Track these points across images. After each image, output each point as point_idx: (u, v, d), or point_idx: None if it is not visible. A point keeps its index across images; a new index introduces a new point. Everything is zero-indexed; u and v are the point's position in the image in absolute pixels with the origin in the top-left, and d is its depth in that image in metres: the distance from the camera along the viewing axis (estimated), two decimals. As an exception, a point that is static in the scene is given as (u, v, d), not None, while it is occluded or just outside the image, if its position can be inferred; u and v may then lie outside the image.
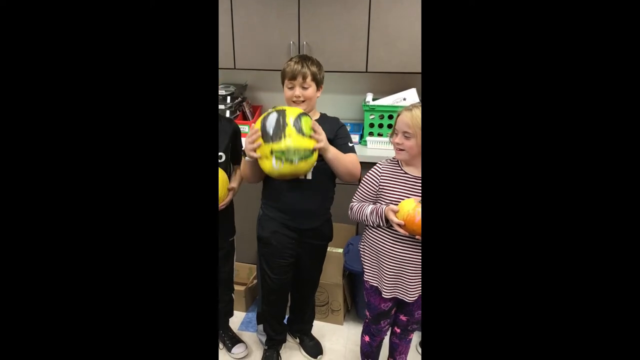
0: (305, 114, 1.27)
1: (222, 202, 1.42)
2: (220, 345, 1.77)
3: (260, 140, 1.24)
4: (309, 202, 1.39)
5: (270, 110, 1.29)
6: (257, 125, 1.28)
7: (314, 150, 1.25)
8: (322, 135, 1.26)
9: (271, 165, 1.26)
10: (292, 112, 1.25)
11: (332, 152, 1.31)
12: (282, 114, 1.25)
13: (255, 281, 2.08)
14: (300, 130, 1.22)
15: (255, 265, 2.14)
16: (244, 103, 2.34)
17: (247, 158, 1.31)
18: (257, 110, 2.39)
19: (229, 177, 1.49)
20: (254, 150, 1.25)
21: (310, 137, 1.23)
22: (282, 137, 1.21)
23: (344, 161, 1.34)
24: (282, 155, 1.24)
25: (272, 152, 1.24)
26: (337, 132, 1.40)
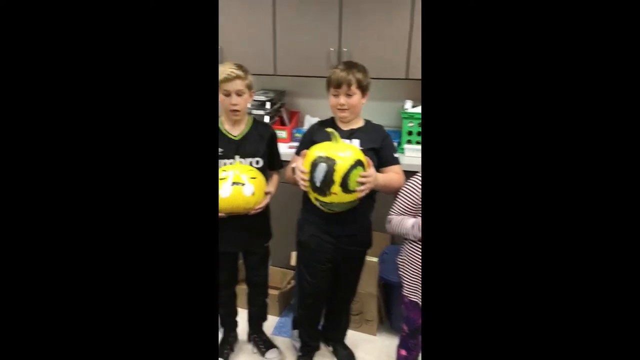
0: (357, 164, 1.23)
1: (259, 205, 1.43)
2: (254, 349, 1.78)
3: (308, 183, 1.26)
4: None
5: (321, 155, 1.25)
6: (307, 166, 1.27)
7: (358, 199, 1.27)
8: (370, 183, 1.25)
9: (315, 202, 1.32)
10: (342, 166, 1.22)
11: (380, 184, 1.31)
12: (331, 167, 1.22)
13: (288, 286, 2.09)
14: (346, 188, 1.22)
15: (288, 270, 2.16)
16: (282, 109, 2.36)
17: (294, 175, 1.33)
18: (294, 116, 2.40)
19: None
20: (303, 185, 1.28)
21: (356, 190, 1.23)
22: (328, 193, 1.24)
23: (391, 184, 1.35)
24: (325, 205, 1.29)
25: (316, 199, 1.28)
26: (383, 143, 1.39)
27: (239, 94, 1.42)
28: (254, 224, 1.53)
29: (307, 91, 2.42)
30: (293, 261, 2.20)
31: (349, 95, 1.34)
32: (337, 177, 1.21)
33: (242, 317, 1.80)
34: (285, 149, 2.04)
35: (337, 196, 1.23)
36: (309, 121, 2.34)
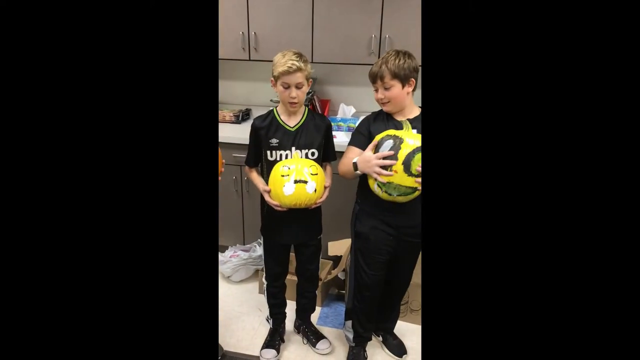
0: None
1: (320, 199, 1.42)
2: (304, 340, 1.80)
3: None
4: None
5: (389, 134, 1.27)
6: (376, 139, 1.30)
7: (417, 189, 1.25)
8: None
9: (373, 186, 1.31)
10: (408, 145, 1.22)
11: None
12: (397, 144, 1.23)
13: (329, 276, 2.10)
14: (408, 169, 1.22)
15: (326, 261, 2.16)
16: (314, 97, 2.31)
17: (357, 172, 1.32)
18: (326, 104, 2.36)
19: None
20: (376, 173, 1.26)
21: (419, 174, 1.22)
22: (389, 169, 1.23)
23: None
24: (382, 186, 1.27)
25: (376, 180, 1.27)
26: None
27: (298, 86, 1.38)
28: (308, 218, 1.52)
29: (338, 79, 2.37)
30: (331, 251, 2.21)
31: (386, 89, 1.32)
32: (401, 154, 1.22)
33: (289, 308, 1.81)
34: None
35: (397, 175, 1.22)
36: (344, 109, 2.30)
